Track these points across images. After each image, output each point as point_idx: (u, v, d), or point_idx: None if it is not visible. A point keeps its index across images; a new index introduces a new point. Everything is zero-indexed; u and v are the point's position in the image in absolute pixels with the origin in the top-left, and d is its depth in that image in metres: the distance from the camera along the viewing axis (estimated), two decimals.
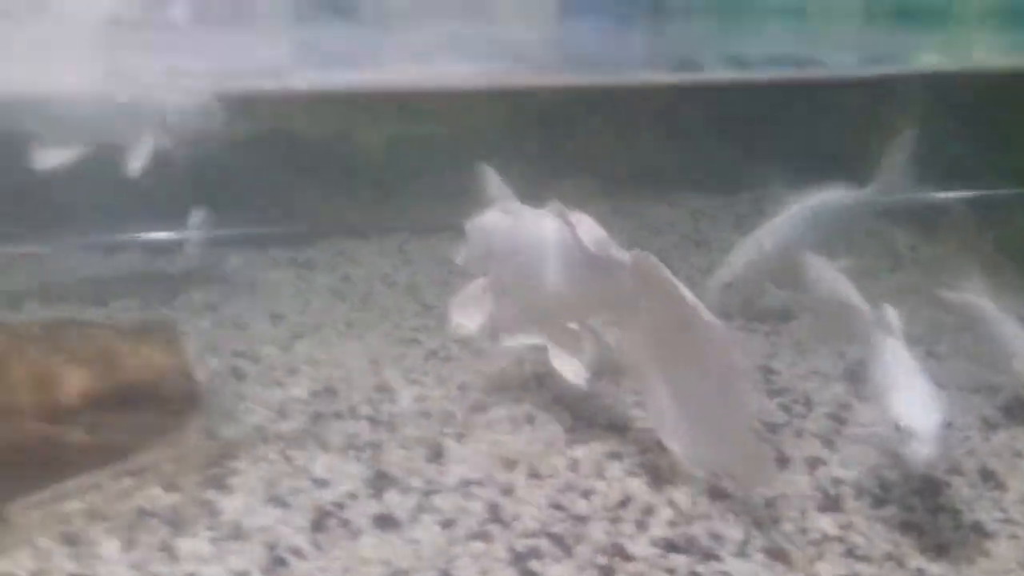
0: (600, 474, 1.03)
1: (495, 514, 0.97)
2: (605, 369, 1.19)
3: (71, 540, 0.95)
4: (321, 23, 1.73)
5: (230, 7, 1.72)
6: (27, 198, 1.63)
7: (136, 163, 1.47)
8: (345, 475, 1.06)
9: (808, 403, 1.22)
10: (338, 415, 1.21)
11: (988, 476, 1.06)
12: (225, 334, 1.52)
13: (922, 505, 0.98)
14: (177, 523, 0.97)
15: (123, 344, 1.15)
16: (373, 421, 1.19)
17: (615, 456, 1.06)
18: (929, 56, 2.02)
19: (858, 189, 1.54)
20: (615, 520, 0.95)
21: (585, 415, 1.17)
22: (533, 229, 1.13)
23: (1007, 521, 0.97)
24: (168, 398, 1.16)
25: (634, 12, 1.92)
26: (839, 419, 1.17)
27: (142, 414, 1.13)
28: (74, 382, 1.08)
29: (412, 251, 2.01)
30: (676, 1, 1.96)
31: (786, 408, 1.20)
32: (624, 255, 1.01)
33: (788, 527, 0.94)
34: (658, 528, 0.93)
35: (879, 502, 0.99)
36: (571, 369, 1.11)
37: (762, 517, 0.96)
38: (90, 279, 1.79)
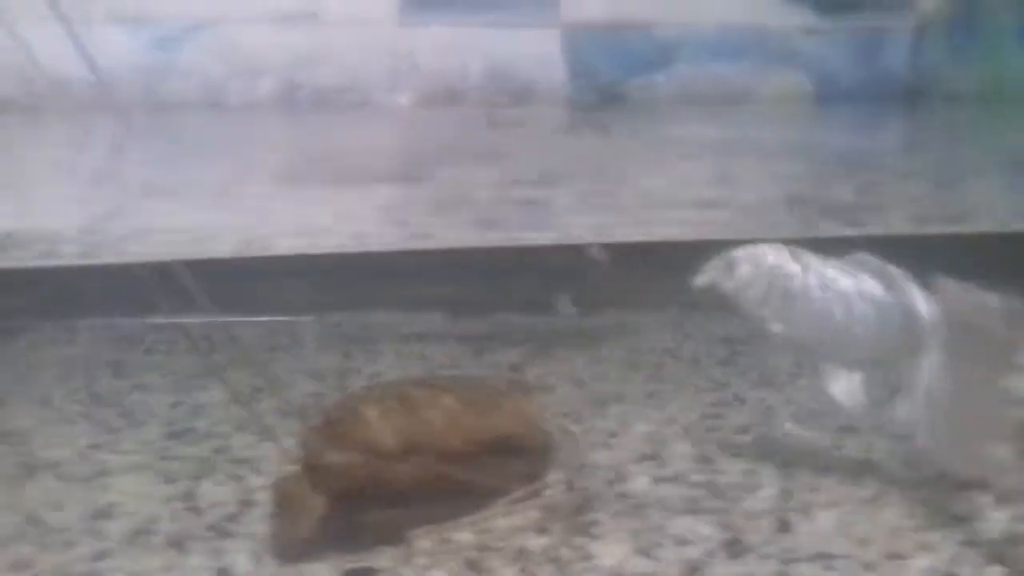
0: (960, 561, 1.07)
1: None
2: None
3: (473, 566, 1.10)
4: None
5: None
6: None
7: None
8: (699, 536, 1.15)
9: None
10: (672, 479, 1.32)
11: None
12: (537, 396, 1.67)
13: None
14: (558, 562, 1.10)
15: (498, 397, 1.31)
16: (708, 489, 1.29)
17: (970, 544, 1.10)
18: None
19: None
20: None
21: (929, 500, 1.21)
22: (854, 281, 1.19)
23: None
24: (530, 449, 1.31)
25: None
26: None
27: (511, 462, 1.28)
28: (464, 428, 1.25)
29: (689, 327, 2.11)
30: None
31: None
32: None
33: None
34: None
35: None
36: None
37: None
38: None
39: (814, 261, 1.22)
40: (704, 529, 1.17)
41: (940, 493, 1.22)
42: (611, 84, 3.12)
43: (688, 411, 1.61)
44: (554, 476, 1.28)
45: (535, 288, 2.13)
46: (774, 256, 1.23)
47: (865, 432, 1.26)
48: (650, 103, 3.05)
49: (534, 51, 2.98)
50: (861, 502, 1.22)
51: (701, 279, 1.26)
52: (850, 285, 1.18)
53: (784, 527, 1.17)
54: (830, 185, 1.82)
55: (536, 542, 1.15)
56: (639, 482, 1.31)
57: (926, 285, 1.16)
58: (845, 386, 1.22)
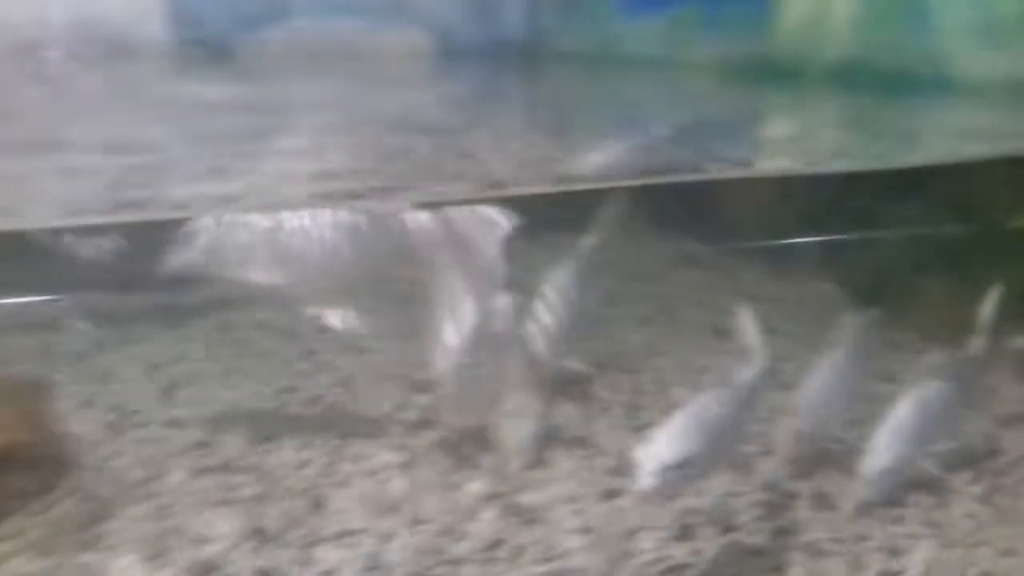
0: (475, 516, 1.08)
1: (375, 562, 1.00)
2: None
3: None
4: None
5: None
6: None
7: None
8: (225, 530, 1.07)
9: None
10: (217, 468, 1.22)
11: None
12: (100, 388, 1.50)
13: (766, 528, 1.08)
14: None
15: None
16: (253, 473, 1.21)
17: (492, 497, 1.12)
18: None
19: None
20: (488, 561, 1.00)
21: (464, 455, 1.22)
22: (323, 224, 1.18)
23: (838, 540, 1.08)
24: (41, 459, 1.15)
25: None
26: None
27: (14, 477, 1.11)
28: None
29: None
30: None
31: None
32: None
33: (646, 558, 1.02)
34: (531, 566, 0.99)
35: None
36: None
37: (627, 549, 1.03)
38: None
39: (284, 216, 1.19)
40: (230, 523, 1.09)
41: (468, 447, 1.24)
42: (218, 38, 2.88)
43: (264, 386, 1.52)
44: (71, 485, 1.13)
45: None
46: (232, 217, 1.18)
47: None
48: (261, 59, 2.87)
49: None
50: (401, 465, 1.21)
51: (169, 261, 1.19)
52: (321, 227, 1.16)
53: (317, 506, 1.12)
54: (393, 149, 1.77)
55: (32, 567, 1.00)
56: (175, 477, 1.19)
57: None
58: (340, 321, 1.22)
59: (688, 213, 1.76)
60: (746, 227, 1.98)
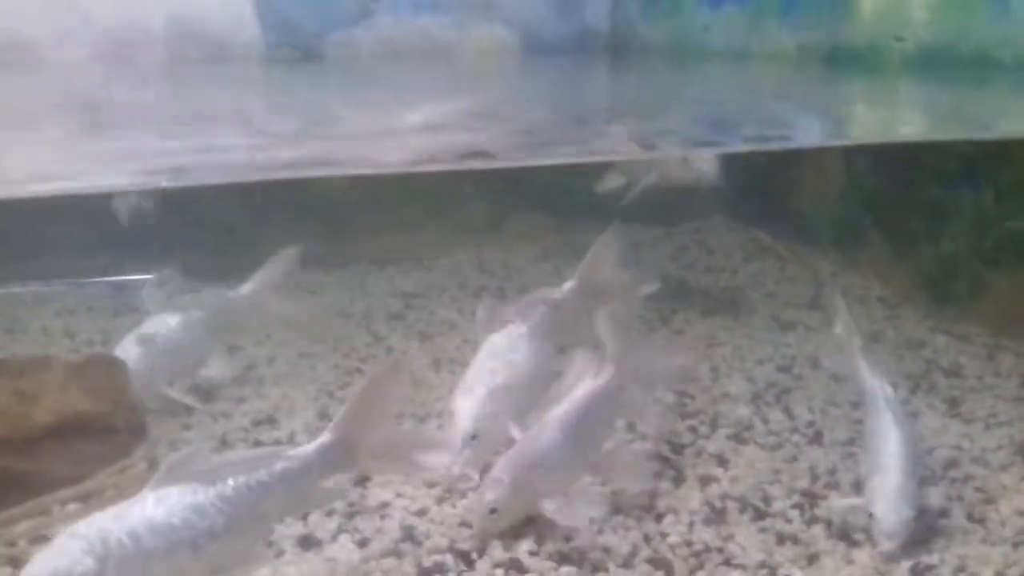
0: None
1: (408, 533, 1.06)
2: None
3: (15, 562, 1.03)
4: None
5: None
6: None
7: None
8: None
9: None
10: (277, 443, 1.30)
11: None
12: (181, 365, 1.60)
13: (799, 517, 1.08)
14: None
15: (71, 379, 1.23)
16: None
17: None
18: None
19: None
20: (515, 537, 1.04)
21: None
22: None
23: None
24: (114, 429, 1.25)
25: None
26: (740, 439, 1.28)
27: (89, 444, 1.21)
28: (22, 415, 1.16)
29: (370, 283, 2.10)
30: None
31: (694, 429, 1.31)
32: None
33: (674, 539, 1.04)
34: (552, 543, 1.02)
35: (760, 515, 1.09)
36: None
37: (651, 531, 1.05)
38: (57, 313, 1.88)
39: None
40: None
41: None
42: (309, 38, 3.00)
43: (334, 368, 1.60)
44: (140, 454, 1.23)
45: None
46: None
47: None
48: (351, 58, 2.97)
49: (223, 2, 2.82)
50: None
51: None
52: None
53: (361, 478, 1.17)
54: None
55: None
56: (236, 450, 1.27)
57: None
58: None
59: None
60: None
